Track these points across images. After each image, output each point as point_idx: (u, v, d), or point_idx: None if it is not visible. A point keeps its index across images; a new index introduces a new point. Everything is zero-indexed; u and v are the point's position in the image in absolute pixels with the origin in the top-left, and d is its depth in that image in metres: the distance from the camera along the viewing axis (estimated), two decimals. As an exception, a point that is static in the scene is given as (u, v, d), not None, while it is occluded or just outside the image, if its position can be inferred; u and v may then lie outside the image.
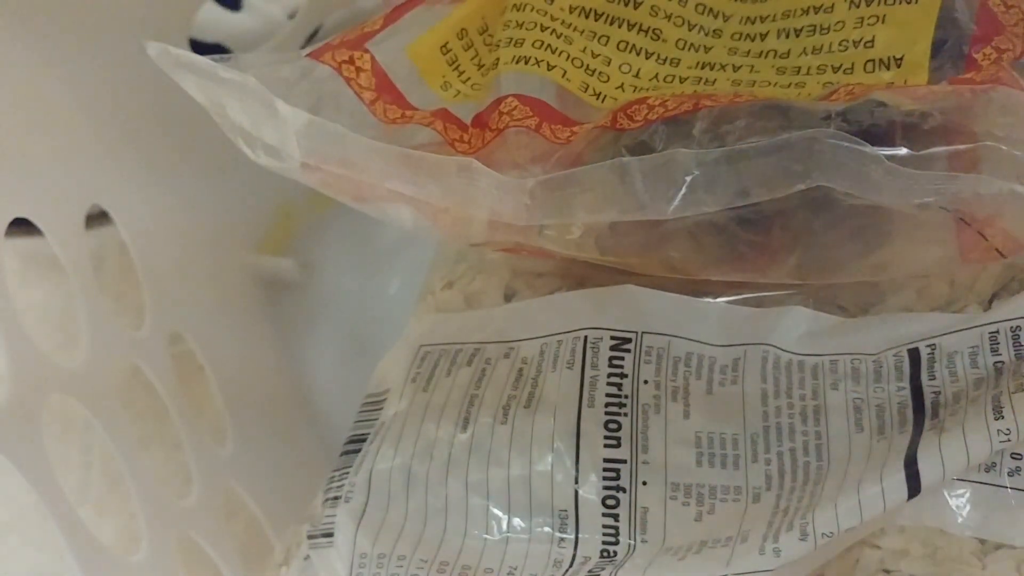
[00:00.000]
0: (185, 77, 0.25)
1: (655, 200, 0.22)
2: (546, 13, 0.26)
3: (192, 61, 0.24)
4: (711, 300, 0.26)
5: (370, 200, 0.26)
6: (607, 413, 0.25)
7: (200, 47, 0.39)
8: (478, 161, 0.22)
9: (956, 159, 0.21)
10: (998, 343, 0.24)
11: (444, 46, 0.26)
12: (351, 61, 0.25)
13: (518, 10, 0.26)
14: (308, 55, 0.26)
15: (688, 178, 0.22)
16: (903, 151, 0.21)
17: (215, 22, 0.46)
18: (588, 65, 0.26)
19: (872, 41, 0.24)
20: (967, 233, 0.23)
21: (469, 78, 0.26)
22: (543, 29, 0.26)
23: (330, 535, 0.27)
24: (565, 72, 0.25)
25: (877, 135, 0.21)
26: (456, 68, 0.26)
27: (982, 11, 0.24)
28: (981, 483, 0.23)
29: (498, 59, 0.26)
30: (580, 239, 0.25)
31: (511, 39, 0.26)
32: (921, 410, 0.24)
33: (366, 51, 0.25)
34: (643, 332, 0.26)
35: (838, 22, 0.24)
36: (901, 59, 0.24)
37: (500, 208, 0.23)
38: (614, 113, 0.24)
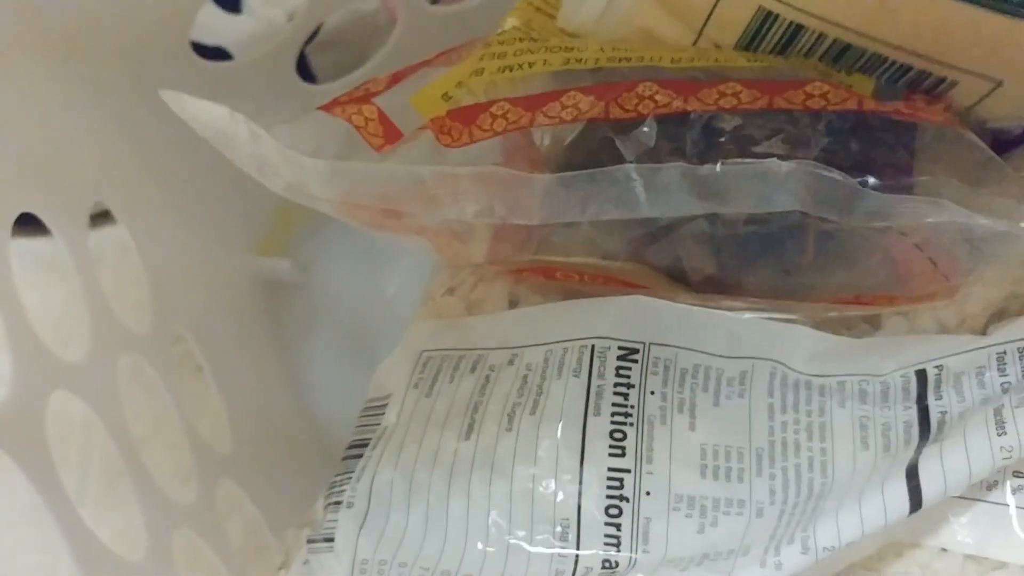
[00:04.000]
0: (200, 127, 0.26)
1: (654, 205, 0.24)
2: (526, 38, 0.27)
3: (208, 112, 0.25)
4: (720, 312, 0.27)
5: (387, 229, 0.27)
6: (613, 423, 0.26)
7: (201, 49, 0.39)
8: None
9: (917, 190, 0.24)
10: (1005, 363, 0.24)
11: (444, 95, 0.27)
12: (360, 113, 0.26)
13: (501, 44, 0.27)
14: (319, 108, 0.27)
15: (683, 187, 0.23)
16: (871, 180, 0.23)
17: (215, 25, 0.46)
18: (567, 46, 0.27)
19: None
20: (918, 257, 0.25)
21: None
22: (521, 40, 0.27)
23: (331, 540, 0.27)
24: (546, 60, 0.26)
25: (853, 165, 0.24)
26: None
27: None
28: (984, 501, 0.23)
29: (483, 68, 0.27)
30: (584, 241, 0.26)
31: (494, 54, 0.27)
32: (927, 430, 0.24)
33: (373, 105, 0.26)
34: (651, 343, 0.26)
35: None
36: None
37: (515, 207, 0.24)
38: (606, 104, 0.25)
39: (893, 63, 0.25)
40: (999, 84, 0.25)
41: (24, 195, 0.30)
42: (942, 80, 0.25)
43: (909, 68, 0.25)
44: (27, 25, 0.32)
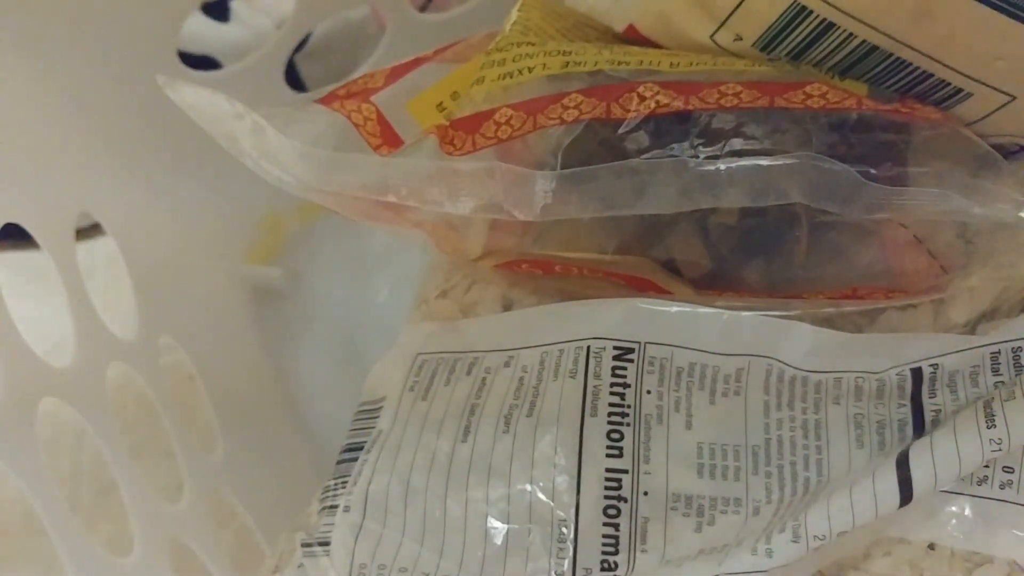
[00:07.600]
0: (196, 115, 0.26)
1: (657, 201, 0.24)
2: (524, 43, 0.27)
3: (206, 100, 0.25)
4: (715, 310, 0.27)
5: (384, 221, 0.27)
6: (610, 423, 0.26)
7: (189, 59, 0.39)
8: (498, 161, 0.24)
9: (917, 182, 0.24)
10: (999, 363, 0.24)
11: (439, 104, 0.27)
12: (359, 111, 0.26)
13: (500, 51, 0.27)
14: (316, 101, 0.27)
15: (685, 181, 0.24)
16: (873, 171, 0.23)
17: (203, 34, 0.46)
18: (563, 50, 0.27)
19: None
20: (917, 249, 0.25)
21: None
22: (519, 45, 0.27)
23: (326, 544, 0.27)
24: (545, 64, 0.26)
25: (854, 156, 0.24)
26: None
27: None
28: (973, 496, 0.23)
29: (484, 76, 0.27)
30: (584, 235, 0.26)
31: (494, 61, 0.27)
32: (921, 428, 0.24)
33: (372, 104, 0.26)
34: (646, 342, 0.26)
35: None
36: None
37: (517, 203, 0.24)
38: (608, 105, 0.25)
39: (915, 70, 0.25)
40: (1012, 99, 0.25)
41: (10, 206, 0.30)
42: (957, 92, 0.25)
43: (928, 76, 0.25)
44: (15, 34, 0.32)
